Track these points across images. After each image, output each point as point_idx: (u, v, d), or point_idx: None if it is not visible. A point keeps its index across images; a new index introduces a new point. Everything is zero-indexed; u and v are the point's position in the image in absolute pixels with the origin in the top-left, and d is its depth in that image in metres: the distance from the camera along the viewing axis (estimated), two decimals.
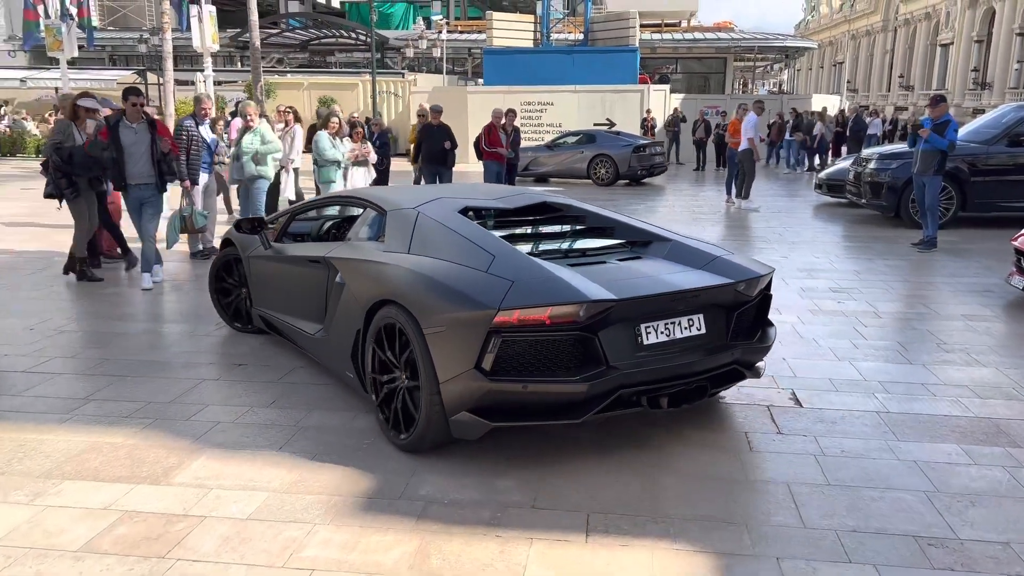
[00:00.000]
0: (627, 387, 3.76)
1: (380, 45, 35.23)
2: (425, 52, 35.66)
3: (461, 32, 40.13)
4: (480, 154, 13.11)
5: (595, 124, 24.57)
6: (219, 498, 3.51)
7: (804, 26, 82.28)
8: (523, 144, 16.04)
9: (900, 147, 12.51)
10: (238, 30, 32.71)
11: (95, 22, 43.80)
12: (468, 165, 21.31)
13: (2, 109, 31.41)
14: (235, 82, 31.57)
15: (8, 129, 28.00)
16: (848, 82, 61.59)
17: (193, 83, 23.62)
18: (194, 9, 20.74)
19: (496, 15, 29.58)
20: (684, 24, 45.07)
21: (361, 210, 5.20)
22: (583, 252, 4.57)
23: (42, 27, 25.55)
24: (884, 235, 11.16)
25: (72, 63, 36.35)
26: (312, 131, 11.66)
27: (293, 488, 3.61)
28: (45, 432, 4.22)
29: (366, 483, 3.66)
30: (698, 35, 39.28)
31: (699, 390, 4.04)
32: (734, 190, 14.58)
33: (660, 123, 24.97)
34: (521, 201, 5.04)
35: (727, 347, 4.11)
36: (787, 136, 23.59)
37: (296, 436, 4.19)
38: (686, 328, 3.97)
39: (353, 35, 35.19)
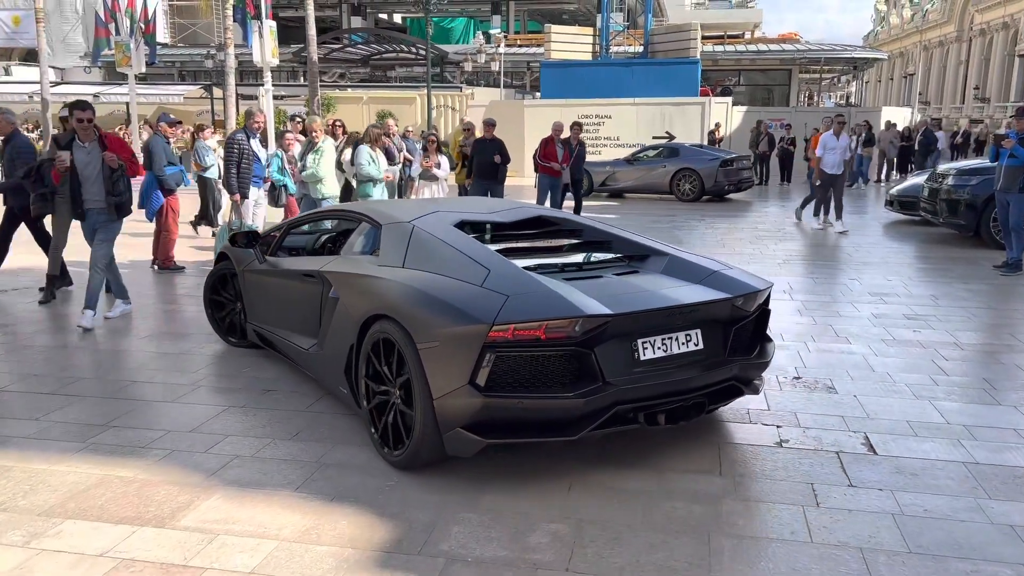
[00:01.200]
0: (624, 403, 3.70)
1: (439, 59, 35.35)
2: (484, 66, 35.62)
3: (520, 46, 40.01)
4: (536, 168, 12.77)
5: (654, 137, 24.08)
6: (224, 546, 3.21)
7: (873, 37, 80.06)
8: (588, 158, 15.48)
9: (980, 162, 11.74)
10: (301, 45, 33.13)
11: (166, 39, 45.16)
12: (524, 179, 21.02)
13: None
14: (297, 96, 31.97)
15: None
16: (920, 94, 59.51)
17: (257, 97, 23.96)
18: (255, 24, 21.00)
19: (554, 28, 29.33)
20: (748, 36, 44.17)
21: (356, 224, 5.11)
22: (579, 266, 4.50)
23: (112, 44, 26.31)
24: (963, 256, 10.43)
25: (143, 79, 37.51)
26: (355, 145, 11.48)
27: (305, 536, 3.29)
28: (56, 462, 4.01)
29: (384, 533, 3.32)
30: (762, 47, 38.36)
31: (697, 407, 3.96)
32: (818, 209, 13.41)
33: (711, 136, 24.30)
34: (517, 215, 4.98)
35: (725, 363, 4.04)
36: (858, 151, 22.61)
37: (316, 474, 3.88)
38: (683, 343, 3.91)
39: (413, 50, 35.36)
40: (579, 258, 4.64)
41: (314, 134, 9.86)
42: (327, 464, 4.00)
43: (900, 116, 29.61)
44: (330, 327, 4.58)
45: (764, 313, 4.37)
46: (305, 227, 6.06)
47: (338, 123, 12.87)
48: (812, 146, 13.79)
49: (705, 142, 23.25)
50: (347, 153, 11.28)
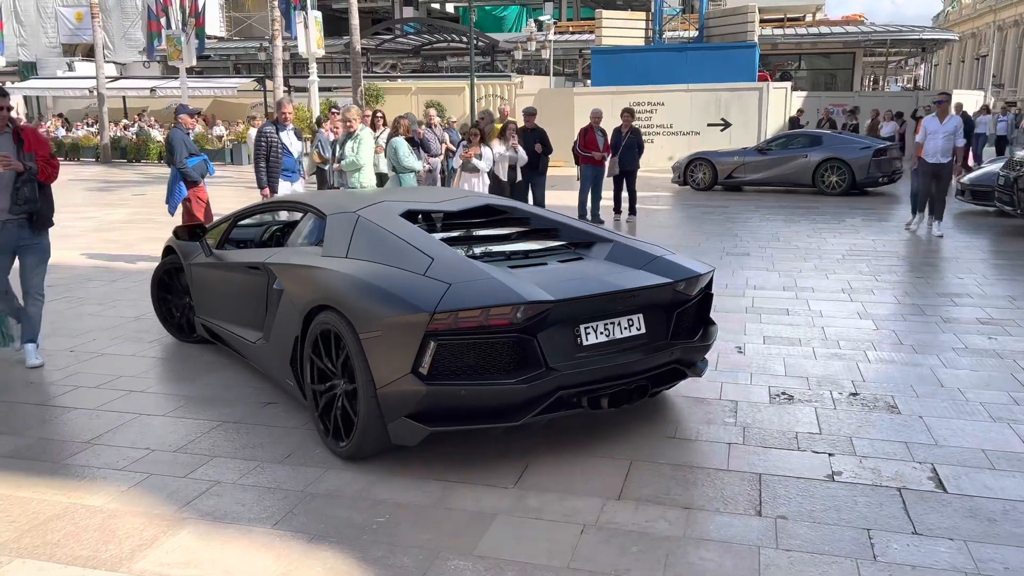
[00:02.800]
0: (567, 388, 3.73)
1: (490, 48, 34.84)
2: (534, 54, 35.00)
3: (572, 33, 39.22)
4: (577, 159, 12.24)
5: (708, 124, 23.23)
6: None
7: (943, 17, 76.72)
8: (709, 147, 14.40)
9: None
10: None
11: (221, 33, 45.69)
12: (573, 168, 20.42)
13: (132, 117, 32.99)
14: (347, 88, 31.87)
15: (135, 136, 29.22)
16: (993, 76, 56.72)
17: (307, 89, 23.87)
18: (300, 15, 20.85)
19: (606, 13, 28.52)
20: (809, 18, 42.54)
21: (302, 215, 5.10)
22: (525, 254, 4.49)
23: (163, 38, 26.52)
24: None
25: (199, 72, 37.95)
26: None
27: None
28: (24, 487, 3.68)
29: None
30: (824, 29, 36.83)
31: (640, 390, 3.99)
32: (919, 205, 11.38)
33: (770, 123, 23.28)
34: (465, 204, 5.00)
35: (667, 346, 4.09)
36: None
37: (300, 507, 3.47)
38: (626, 328, 3.96)
39: (464, 39, 34.90)
40: (524, 246, 4.61)
41: (350, 123, 9.56)
42: (313, 495, 3.58)
43: (972, 100, 28.04)
44: (275, 319, 4.56)
45: (706, 297, 4.45)
46: (251, 219, 5.94)
47: (379, 114, 12.56)
48: (916, 132, 11.84)
49: (789, 127, 22.27)
50: (380, 141, 10.99)
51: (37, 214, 5.26)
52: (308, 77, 22.16)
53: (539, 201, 11.47)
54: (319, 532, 3.26)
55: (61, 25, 43.12)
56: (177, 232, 5.71)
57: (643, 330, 4.01)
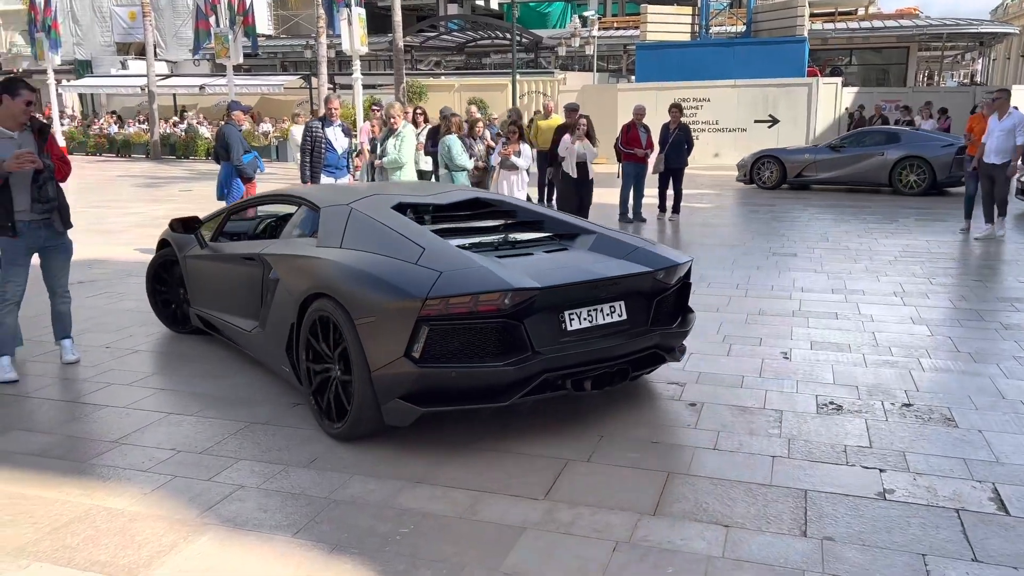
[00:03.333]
0: (552, 371, 3.89)
1: (534, 45, 34.67)
2: (578, 50, 34.69)
3: (617, 28, 38.80)
4: (619, 156, 12.00)
5: (755, 121, 22.74)
6: None
7: (1002, 10, 74.29)
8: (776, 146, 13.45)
9: None
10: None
11: (270, 30, 46.26)
12: (610, 165, 20.14)
13: (183, 115, 33.56)
14: (390, 85, 31.97)
15: (184, 133, 29.70)
16: None
17: (352, 86, 23.96)
18: (344, 12, 20.89)
19: (651, 8, 28.10)
20: (861, 12, 41.47)
21: (296, 208, 5.26)
22: (512, 244, 4.66)
23: (212, 36, 26.88)
24: None
25: (247, 70, 38.42)
26: (438, 134, 11.01)
27: None
28: (50, 487, 3.64)
29: None
30: (877, 23, 35.84)
31: (621, 373, 4.16)
32: (976, 207, 10.78)
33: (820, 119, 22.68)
34: (454, 198, 5.18)
35: (647, 332, 4.27)
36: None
37: (323, 514, 3.36)
38: (608, 315, 4.14)
39: (508, 36, 34.80)
40: (512, 237, 4.77)
41: (393, 120, 9.52)
42: (338, 502, 3.47)
43: None
44: (271, 308, 4.71)
45: (685, 286, 4.63)
46: (245, 212, 6.08)
47: (419, 111, 12.49)
48: (968, 129, 11.42)
49: (841, 125, 21.73)
50: (421, 138, 10.91)
51: (59, 212, 5.17)
52: (352, 74, 22.21)
53: (560, 196, 11.27)
54: (341, 542, 3.15)
55: (115, 24, 44.01)
56: (173, 225, 5.79)
57: (624, 316, 4.20)
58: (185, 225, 5.74)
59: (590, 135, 10.34)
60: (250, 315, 5.03)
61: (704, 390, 4.79)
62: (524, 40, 33.09)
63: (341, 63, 36.76)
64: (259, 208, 6.21)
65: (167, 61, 41.14)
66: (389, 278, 3.89)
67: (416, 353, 3.70)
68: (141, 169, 23.52)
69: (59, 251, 5.32)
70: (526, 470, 3.73)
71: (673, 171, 12.15)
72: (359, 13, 20.77)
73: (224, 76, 30.51)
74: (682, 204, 12.46)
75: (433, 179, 11.05)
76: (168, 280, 6.19)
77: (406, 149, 9.24)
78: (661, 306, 4.39)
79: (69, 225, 5.29)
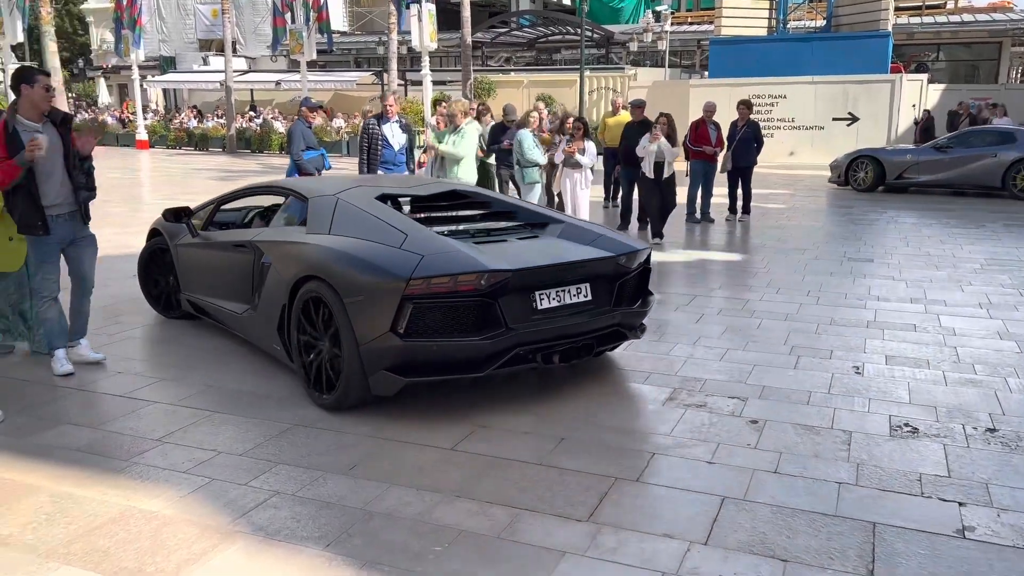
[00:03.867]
0: (523, 345, 4.28)
1: (605, 40, 34.21)
2: (650, 46, 34.11)
3: (690, 23, 38.04)
4: (688, 154, 11.63)
5: (834, 119, 21.94)
6: None
7: None
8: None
9: None
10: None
11: (345, 27, 46.99)
12: (678, 163, 19.67)
13: (257, 110, 34.32)
14: (460, 81, 32.04)
15: (258, 128, 30.35)
16: None
17: (421, 83, 24.09)
18: (414, 8, 20.96)
19: (727, 2, 27.36)
20: (950, 5, 39.63)
21: (284, 199, 5.62)
22: (487, 232, 5.00)
23: (288, 33, 27.36)
24: None
25: (322, 66, 39.05)
26: (501, 130, 10.85)
27: None
28: (88, 485, 3.62)
29: None
30: (967, 17, 34.18)
31: (586, 348, 4.59)
32: None
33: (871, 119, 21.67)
34: (433, 189, 5.53)
35: (611, 312, 4.68)
36: None
37: (357, 526, 3.24)
38: (574, 295, 4.54)
39: (578, 31, 34.48)
40: (487, 225, 5.15)
41: (456, 117, 9.42)
42: (373, 513, 3.35)
43: None
44: (263, 291, 5.03)
45: (645, 271, 5.04)
46: (234, 203, 6.31)
47: (482, 107, 12.36)
48: None
49: (914, 126, 20.79)
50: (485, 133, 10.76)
51: (87, 205, 5.15)
52: (421, 71, 22.30)
53: (642, 197, 10.94)
54: (372, 558, 3.01)
55: (198, 21, 45.30)
56: (165, 215, 6.04)
57: (589, 297, 4.60)
58: (177, 215, 6.01)
59: (671, 135, 9.89)
60: (241, 299, 5.35)
61: (767, 406, 4.51)
62: (595, 35, 32.67)
63: (412, 59, 36.98)
64: (246, 199, 6.38)
65: (246, 57, 42.12)
66: (376, 261, 4.24)
67: (401, 328, 4.08)
68: (217, 162, 24.10)
69: (88, 244, 5.25)
70: (571, 487, 3.54)
71: (741, 170, 11.71)
72: (429, 9, 20.84)
73: (298, 72, 31.10)
74: (753, 204, 12.02)
75: (494, 175, 10.94)
76: (159, 268, 6.43)
77: (464, 144, 9.12)
78: (623, 288, 4.79)
79: (88, 217, 5.23)
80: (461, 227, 5.04)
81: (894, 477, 3.63)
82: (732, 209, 11.96)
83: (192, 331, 6.10)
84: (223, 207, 6.23)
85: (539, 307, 4.37)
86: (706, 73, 28.54)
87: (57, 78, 18.54)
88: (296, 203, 5.35)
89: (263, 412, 4.49)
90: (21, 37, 24.32)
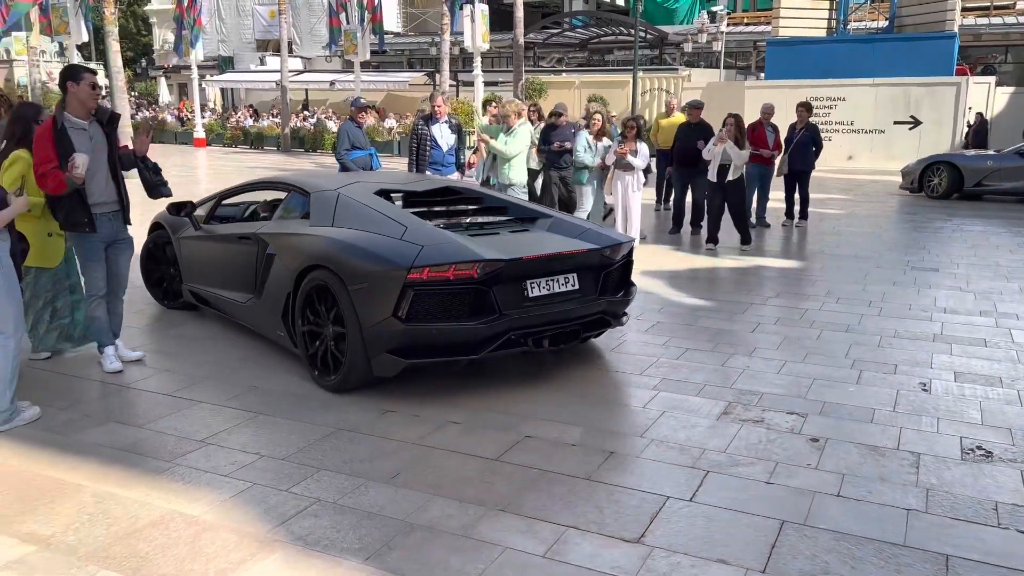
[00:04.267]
0: (516, 330, 4.58)
1: (659, 41, 33.80)
2: (705, 47, 33.59)
3: (747, 24, 37.37)
4: None
5: (895, 122, 21.29)
6: None
7: None
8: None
9: None
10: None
11: (398, 28, 47.36)
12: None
13: (309, 109, 34.74)
14: (511, 82, 31.95)
15: (312, 127, 30.70)
16: None
17: (472, 83, 24.09)
18: (467, 9, 20.95)
19: (785, 2, 26.75)
20: (1019, 6, 38.20)
21: (285, 193, 5.83)
22: (480, 225, 5.34)
23: (342, 33, 27.61)
24: None
25: (376, 66, 39.38)
26: (551, 130, 10.71)
27: None
28: (131, 486, 3.59)
29: None
30: None
31: (573, 333, 4.90)
32: None
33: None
34: (428, 186, 5.86)
35: (596, 300, 4.99)
36: None
37: (397, 539, 3.14)
38: (563, 284, 4.84)
39: (632, 32, 34.12)
40: (480, 219, 5.48)
41: (508, 119, 9.32)
42: (414, 526, 3.24)
43: None
44: (268, 280, 5.26)
45: (628, 262, 5.32)
46: (235, 198, 6.51)
47: (533, 108, 12.24)
48: None
49: (965, 131, 20.08)
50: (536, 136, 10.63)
51: (128, 205, 5.12)
52: (472, 71, 22.30)
53: (698, 203, 10.70)
54: (411, 573, 2.91)
55: (256, 22, 46.09)
56: (169, 209, 6.20)
57: (576, 286, 4.89)
58: (179, 209, 6.17)
59: (739, 137, 9.42)
60: (244, 288, 5.58)
61: (828, 423, 4.29)
62: (649, 36, 32.29)
63: (464, 60, 37.03)
64: (246, 194, 6.58)
65: (301, 57, 42.72)
66: (378, 251, 4.52)
67: (403, 314, 4.35)
68: (271, 161, 24.42)
69: (126, 246, 5.22)
70: (621, 505, 3.39)
71: (798, 174, 11.35)
72: (482, 10, 20.81)
73: (352, 72, 31.40)
74: (810, 210, 11.66)
75: (541, 177, 10.84)
76: (160, 260, 6.66)
77: (516, 144, 9.02)
78: (607, 279, 5.08)
79: (129, 221, 5.23)
80: (456, 220, 5.37)
81: (967, 505, 3.40)
82: (788, 214, 11.63)
83: (239, 334, 6.09)
84: (224, 202, 6.44)
85: (530, 295, 4.68)
86: (762, 74, 27.99)
87: (120, 77, 18.92)
88: (297, 198, 5.58)
89: (306, 415, 4.43)
90: (86, 37, 24.98)
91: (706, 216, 9.95)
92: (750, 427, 4.23)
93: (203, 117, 32.27)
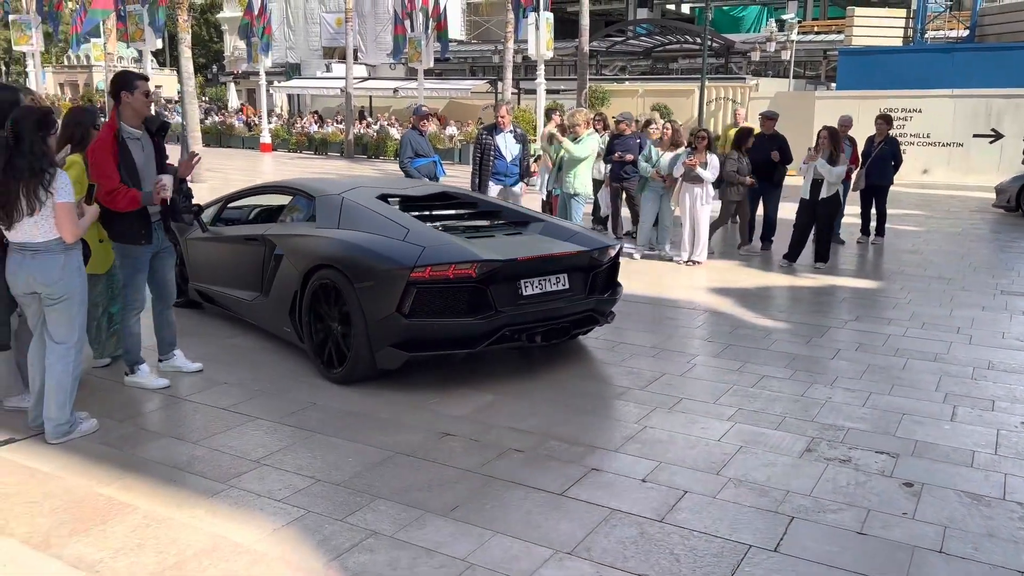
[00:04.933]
0: (511, 326, 4.87)
1: (725, 49, 33.18)
2: (773, 56, 32.85)
3: (817, 33, 36.40)
4: None
5: (975, 136, 20.39)
6: None
7: None
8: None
9: None
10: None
11: (462, 36, 47.64)
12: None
13: (363, 114, 35.09)
14: (574, 90, 31.71)
15: (375, 134, 30.97)
16: None
17: (535, 91, 23.95)
18: (532, 17, 20.82)
19: (859, 11, 26.00)
20: None
21: (291, 197, 6.08)
22: (477, 228, 5.70)
23: (407, 40, 27.77)
24: None
25: (439, 74, 39.62)
26: (616, 139, 10.46)
27: None
28: (184, 507, 3.46)
29: None
30: None
31: (564, 330, 5.23)
32: None
33: None
34: (426, 191, 6.23)
35: (585, 299, 5.30)
36: None
37: None
38: (554, 284, 5.13)
39: (697, 41, 33.53)
40: (476, 222, 5.86)
41: (576, 128, 9.14)
42: (476, 566, 3.03)
43: None
44: (276, 279, 5.51)
45: (615, 264, 5.64)
46: (241, 201, 6.75)
47: (598, 118, 12.00)
48: None
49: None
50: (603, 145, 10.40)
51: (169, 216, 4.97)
52: (535, 79, 22.15)
53: (770, 216, 10.30)
54: None
55: (323, 29, 46.86)
56: None
57: (567, 286, 5.19)
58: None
59: (833, 153, 8.80)
60: (251, 287, 5.83)
61: (922, 465, 3.94)
62: (715, 45, 31.71)
63: (527, 68, 36.94)
64: (251, 198, 6.80)
65: (366, 64, 43.22)
66: (383, 251, 4.82)
67: (406, 310, 4.64)
68: (333, 166, 24.65)
69: (169, 254, 5.11)
70: (698, 554, 3.12)
71: (875, 189, 10.84)
72: (547, 18, 20.65)
73: (415, 80, 31.62)
74: (887, 226, 11.13)
75: (603, 188, 10.63)
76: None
77: (581, 150, 8.82)
78: (596, 279, 5.39)
79: (173, 233, 5.18)
80: (454, 223, 5.73)
81: None
82: (864, 231, 11.13)
83: (276, 344, 5.98)
84: (230, 205, 6.69)
85: (524, 293, 4.96)
86: (832, 84, 27.20)
87: (191, 83, 19.30)
88: (303, 201, 5.86)
89: (364, 435, 4.26)
90: (159, 44, 25.61)
91: (794, 233, 9.36)
92: (836, 467, 3.91)
93: (270, 123, 32.84)
